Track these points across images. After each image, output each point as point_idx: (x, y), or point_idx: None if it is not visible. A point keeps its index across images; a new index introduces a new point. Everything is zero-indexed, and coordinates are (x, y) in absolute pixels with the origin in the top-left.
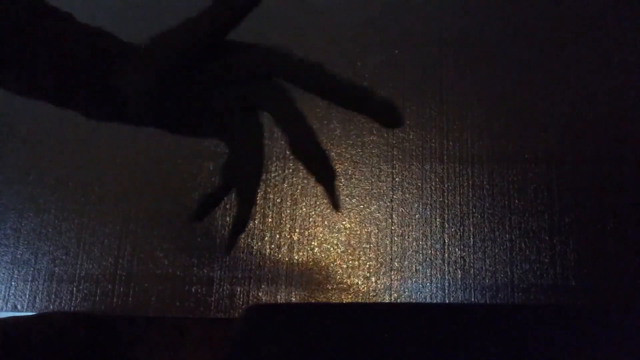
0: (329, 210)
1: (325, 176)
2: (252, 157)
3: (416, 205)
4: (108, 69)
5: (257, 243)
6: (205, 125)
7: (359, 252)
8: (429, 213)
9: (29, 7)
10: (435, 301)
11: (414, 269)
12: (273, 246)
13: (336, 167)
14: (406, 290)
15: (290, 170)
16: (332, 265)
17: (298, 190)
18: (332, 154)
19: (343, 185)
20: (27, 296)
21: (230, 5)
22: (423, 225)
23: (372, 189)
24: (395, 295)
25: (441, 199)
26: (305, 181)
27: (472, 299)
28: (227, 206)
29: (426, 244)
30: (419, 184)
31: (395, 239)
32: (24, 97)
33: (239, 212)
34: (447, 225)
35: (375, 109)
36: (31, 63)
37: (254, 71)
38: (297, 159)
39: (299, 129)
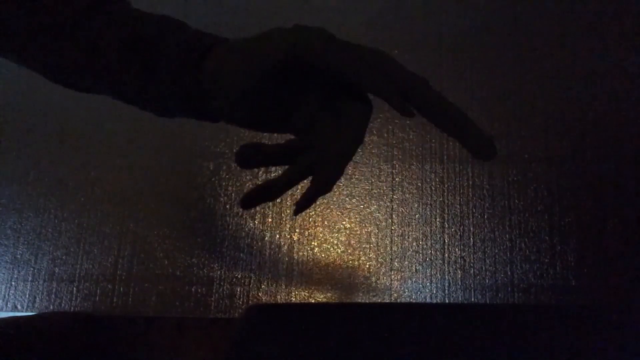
0: (329, 210)
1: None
2: (344, 145)
3: (416, 205)
4: (194, 63)
5: (257, 243)
6: (293, 123)
7: (359, 252)
8: (429, 213)
9: None
10: (435, 301)
11: (414, 269)
12: (273, 246)
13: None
14: (406, 290)
15: None
16: (332, 265)
17: (298, 190)
18: None
19: (343, 185)
20: (27, 296)
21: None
22: (423, 225)
23: (372, 189)
24: (395, 295)
25: (441, 199)
26: (306, 181)
27: (472, 299)
28: (227, 206)
29: (426, 244)
30: (419, 184)
31: (395, 239)
32: (88, 88)
33: (325, 179)
34: (447, 225)
35: (472, 138)
36: (100, 49)
37: (358, 82)
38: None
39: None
